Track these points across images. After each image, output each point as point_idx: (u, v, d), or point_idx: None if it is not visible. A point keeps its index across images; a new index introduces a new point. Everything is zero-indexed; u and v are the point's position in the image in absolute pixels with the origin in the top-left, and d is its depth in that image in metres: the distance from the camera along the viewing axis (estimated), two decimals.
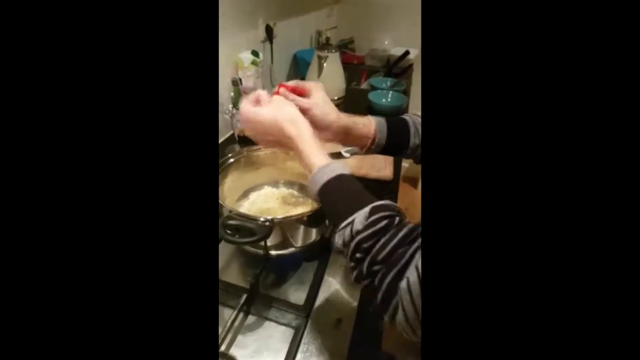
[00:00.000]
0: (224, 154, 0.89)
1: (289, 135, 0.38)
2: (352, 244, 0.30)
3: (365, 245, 0.30)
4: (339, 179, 0.35)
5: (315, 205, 0.50)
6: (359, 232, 0.30)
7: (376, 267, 0.29)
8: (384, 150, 0.48)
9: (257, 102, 0.42)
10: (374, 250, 0.29)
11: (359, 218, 0.31)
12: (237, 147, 0.91)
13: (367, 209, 0.31)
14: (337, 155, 0.86)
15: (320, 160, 0.36)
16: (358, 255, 0.30)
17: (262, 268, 0.52)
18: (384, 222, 0.30)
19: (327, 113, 0.44)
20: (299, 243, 0.52)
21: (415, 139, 0.47)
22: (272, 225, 0.44)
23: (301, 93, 0.45)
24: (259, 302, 0.49)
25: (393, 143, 0.47)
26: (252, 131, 0.42)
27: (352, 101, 1.18)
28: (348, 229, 0.31)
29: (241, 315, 0.47)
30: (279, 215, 0.48)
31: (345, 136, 0.46)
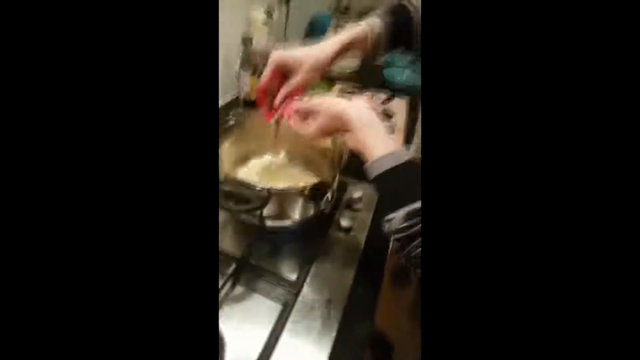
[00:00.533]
0: (226, 115, 0.85)
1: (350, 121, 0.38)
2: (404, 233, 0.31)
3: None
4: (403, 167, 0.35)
5: (316, 180, 0.47)
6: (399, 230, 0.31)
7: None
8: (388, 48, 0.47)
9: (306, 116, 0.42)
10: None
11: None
12: (241, 109, 0.87)
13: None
14: None
15: (384, 147, 0.36)
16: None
17: (255, 238, 0.49)
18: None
19: (314, 58, 0.43)
20: (297, 217, 0.49)
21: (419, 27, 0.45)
22: (268, 195, 0.41)
23: (281, 74, 0.44)
24: (249, 273, 0.47)
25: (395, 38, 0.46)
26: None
27: (365, 76, 1.12)
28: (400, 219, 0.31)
29: (229, 284, 0.46)
30: (278, 185, 0.45)
31: (343, 55, 0.45)
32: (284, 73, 0.45)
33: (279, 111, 0.46)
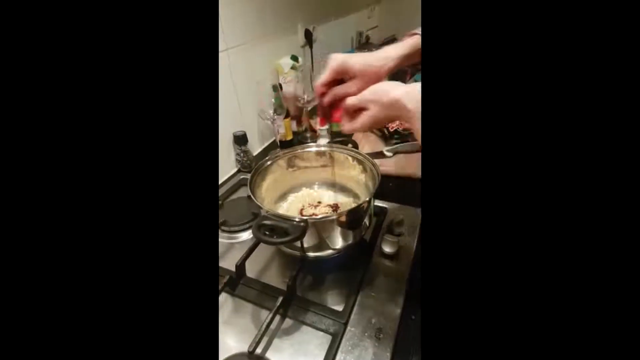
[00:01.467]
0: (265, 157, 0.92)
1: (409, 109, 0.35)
2: None
3: None
4: None
5: (352, 206, 0.48)
6: None
7: None
8: None
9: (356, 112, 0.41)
10: None
11: None
12: (278, 151, 0.93)
13: None
14: (378, 155, 0.83)
15: None
16: None
17: (298, 269, 0.50)
18: None
19: (374, 72, 0.42)
20: (338, 245, 0.50)
21: None
22: (306, 226, 0.42)
23: (341, 77, 0.43)
24: (296, 305, 0.48)
25: None
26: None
27: None
28: None
29: (278, 318, 0.47)
30: (315, 215, 0.47)
31: (401, 66, 0.44)
32: (341, 78, 0.44)
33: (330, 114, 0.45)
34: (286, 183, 0.64)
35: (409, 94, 0.36)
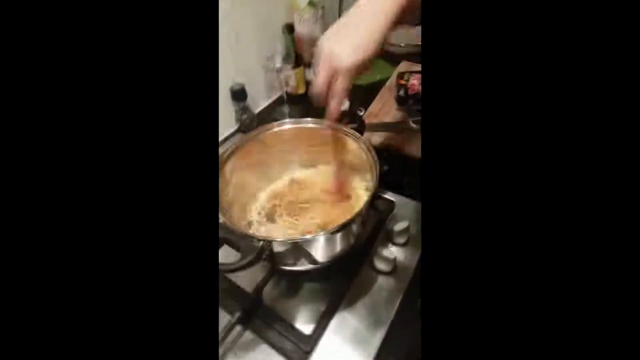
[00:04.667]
0: (273, 116, 0.79)
1: None
2: None
3: None
4: None
5: (342, 220, 0.37)
6: None
7: None
8: None
9: None
10: None
11: None
12: (286, 108, 0.80)
13: None
14: (399, 128, 0.67)
15: None
16: None
17: (268, 277, 0.43)
18: None
19: (354, 68, 0.36)
20: (318, 258, 0.41)
21: None
22: (263, 249, 0.33)
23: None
24: (260, 318, 0.42)
25: None
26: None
27: None
28: None
29: (238, 328, 0.41)
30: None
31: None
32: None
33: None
34: (272, 165, 0.53)
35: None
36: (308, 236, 0.36)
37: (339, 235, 0.38)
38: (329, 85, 0.37)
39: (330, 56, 0.36)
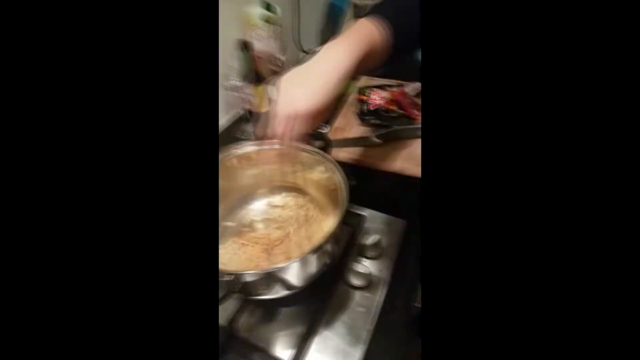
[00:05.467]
0: (234, 135, 0.77)
1: None
2: None
3: None
4: None
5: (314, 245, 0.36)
6: None
7: None
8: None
9: None
10: None
11: None
12: (250, 127, 0.78)
13: None
14: (361, 142, 0.69)
15: None
16: None
17: (239, 308, 0.41)
18: None
19: (310, 115, 0.38)
20: (292, 283, 0.40)
21: None
22: (234, 285, 0.31)
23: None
24: (235, 349, 0.39)
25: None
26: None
27: (395, 65, 0.95)
28: None
29: None
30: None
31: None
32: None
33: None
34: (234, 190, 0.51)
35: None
36: (281, 264, 0.34)
37: (315, 257, 0.38)
38: (287, 127, 0.38)
39: (290, 97, 0.37)
